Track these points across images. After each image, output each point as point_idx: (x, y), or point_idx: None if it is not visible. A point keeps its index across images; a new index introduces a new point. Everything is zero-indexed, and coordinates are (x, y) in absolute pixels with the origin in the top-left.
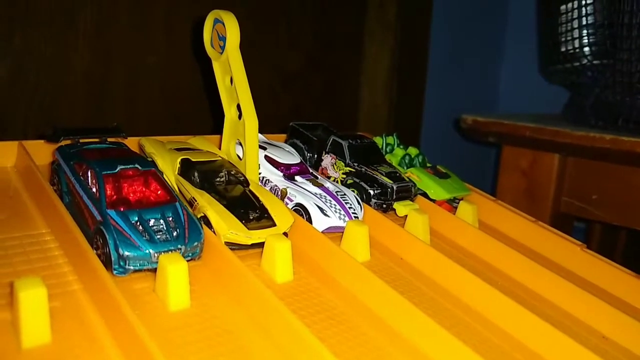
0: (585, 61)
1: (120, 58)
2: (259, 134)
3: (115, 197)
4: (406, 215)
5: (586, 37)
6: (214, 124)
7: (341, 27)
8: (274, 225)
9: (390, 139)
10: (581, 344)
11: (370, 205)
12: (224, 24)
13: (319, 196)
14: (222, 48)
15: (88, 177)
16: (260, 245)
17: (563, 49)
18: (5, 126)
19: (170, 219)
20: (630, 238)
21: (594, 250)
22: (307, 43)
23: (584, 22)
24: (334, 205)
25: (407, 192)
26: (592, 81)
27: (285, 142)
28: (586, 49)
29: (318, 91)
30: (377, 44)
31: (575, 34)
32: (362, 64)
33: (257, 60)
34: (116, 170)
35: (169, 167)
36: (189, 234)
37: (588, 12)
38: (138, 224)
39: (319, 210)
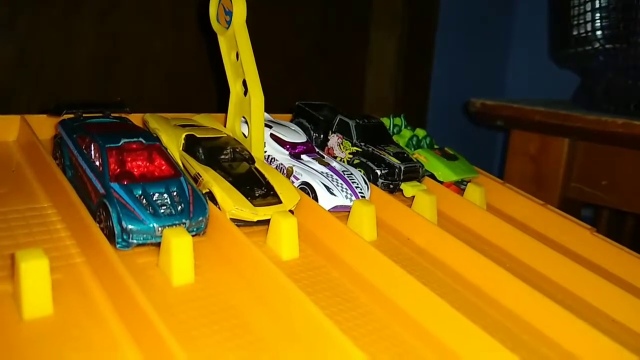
0: (597, 45)
1: (126, 42)
2: (265, 113)
3: (118, 170)
4: (413, 196)
5: (599, 21)
6: (219, 102)
7: (348, 14)
8: (280, 202)
9: (397, 120)
10: (591, 326)
11: (378, 185)
12: None
13: (325, 175)
14: (228, 23)
15: (91, 150)
16: (266, 222)
17: (575, 33)
18: (10, 110)
19: (175, 193)
20: (638, 226)
21: None
22: (313, 30)
23: (597, 5)
24: (341, 184)
25: (415, 172)
26: (604, 65)
27: (291, 121)
28: (598, 32)
29: (324, 78)
30: (383, 31)
31: (588, 17)
32: (369, 50)
33: (262, 47)
34: (120, 144)
35: (173, 143)
36: (193, 208)
37: None
38: (142, 197)
39: (325, 189)
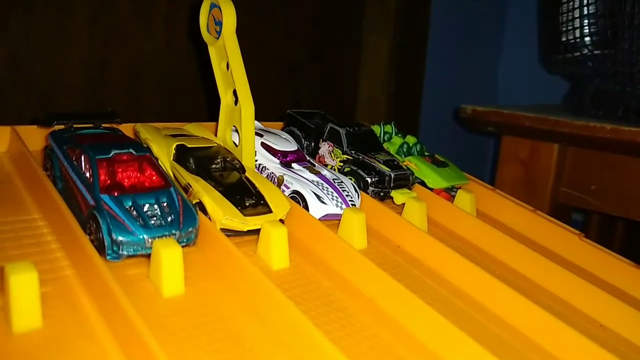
0: (586, 51)
1: (118, 46)
2: (256, 121)
3: (108, 181)
4: (404, 204)
5: (587, 27)
6: (210, 111)
7: (341, 18)
8: (270, 211)
9: (388, 127)
10: (579, 333)
11: (368, 193)
12: (220, 9)
13: (316, 183)
14: (218, 33)
15: (81, 161)
16: (256, 232)
17: (564, 39)
18: (1, 115)
19: (165, 204)
20: (628, 230)
21: None
22: (306, 33)
23: (585, 12)
24: (331, 192)
25: (405, 180)
26: (593, 71)
27: (283, 129)
28: (587, 38)
29: (317, 82)
30: (376, 35)
31: (576, 23)
32: (362, 54)
33: (255, 50)
34: (110, 155)
35: (164, 153)
36: (183, 219)
37: (589, 1)
38: (132, 209)
39: (315, 198)
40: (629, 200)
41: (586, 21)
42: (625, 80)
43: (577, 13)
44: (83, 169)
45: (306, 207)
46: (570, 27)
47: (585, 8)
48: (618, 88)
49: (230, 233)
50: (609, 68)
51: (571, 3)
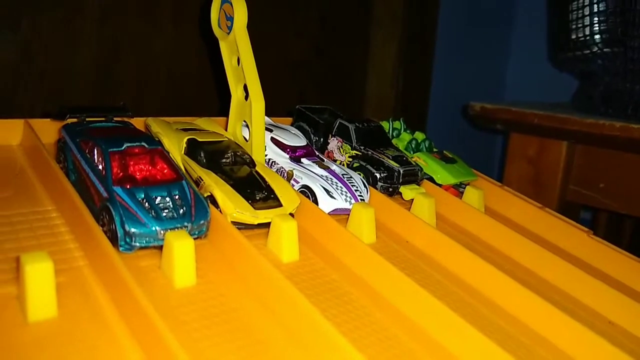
0: (595, 49)
1: (128, 44)
2: (266, 117)
3: (121, 174)
4: (412, 199)
5: (597, 25)
6: (220, 106)
7: (348, 15)
8: (280, 205)
9: (397, 124)
10: (587, 328)
11: (377, 189)
12: (231, 4)
13: (325, 178)
14: (230, 28)
15: (94, 154)
16: (267, 225)
17: (574, 37)
18: (13, 111)
19: (177, 196)
20: (636, 228)
21: None
22: (314, 31)
23: (595, 9)
24: (340, 187)
25: (414, 176)
26: (603, 69)
27: (292, 125)
28: (597, 36)
29: (324, 80)
30: (384, 32)
31: (586, 21)
32: (369, 52)
33: (262, 48)
34: (122, 148)
35: (175, 147)
36: (195, 212)
37: None
38: (144, 201)
39: (325, 192)
40: (638, 198)
41: (596, 19)
42: (635, 78)
43: (587, 10)
44: (96, 161)
45: (315, 202)
46: (580, 25)
47: (595, 5)
48: (628, 86)
49: (240, 226)
50: (619, 66)
51: (581, 0)
